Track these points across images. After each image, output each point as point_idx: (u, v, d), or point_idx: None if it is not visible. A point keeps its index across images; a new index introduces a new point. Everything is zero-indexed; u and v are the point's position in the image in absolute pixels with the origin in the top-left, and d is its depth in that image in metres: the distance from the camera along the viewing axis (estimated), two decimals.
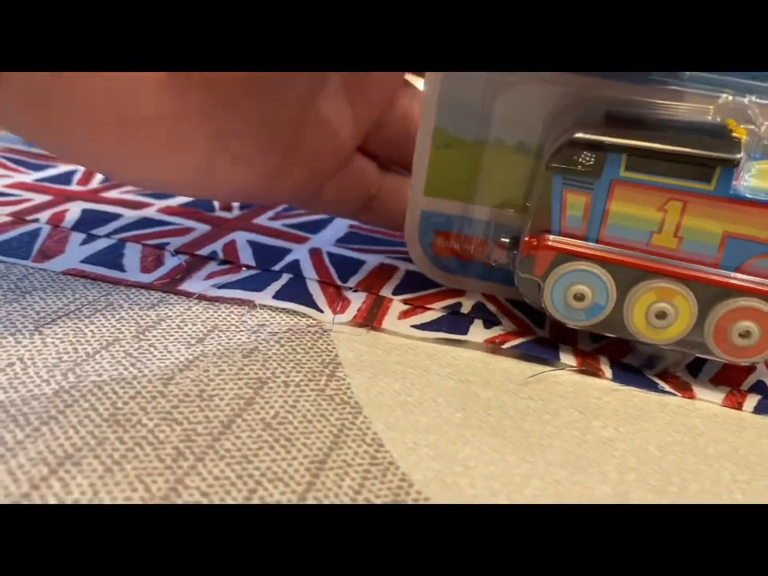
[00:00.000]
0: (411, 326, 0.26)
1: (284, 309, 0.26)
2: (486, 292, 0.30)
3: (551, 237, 0.24)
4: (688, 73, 0.25)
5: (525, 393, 0.23)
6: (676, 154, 0.23)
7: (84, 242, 0.29)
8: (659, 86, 0.25)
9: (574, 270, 0.24)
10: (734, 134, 0.23)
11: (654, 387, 0.25)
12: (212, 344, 0.23)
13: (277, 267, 0.29)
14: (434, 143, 0.28)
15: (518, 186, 0.27)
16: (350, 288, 0.29)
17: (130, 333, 0.23)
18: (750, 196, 0.22)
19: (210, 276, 0.28)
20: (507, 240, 0.26)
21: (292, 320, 0.26)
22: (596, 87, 0.25)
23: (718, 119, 0.24)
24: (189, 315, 0.25)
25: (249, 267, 0.29)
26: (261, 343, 0.24)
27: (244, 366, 0.22)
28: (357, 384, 0.22)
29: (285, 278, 0.29)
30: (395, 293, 0.29)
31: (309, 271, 0.29)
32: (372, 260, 0.32)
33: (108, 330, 0.23)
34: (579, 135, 0.23)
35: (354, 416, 0.20)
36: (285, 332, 0.25)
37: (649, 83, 0.25)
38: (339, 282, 0.29)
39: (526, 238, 0.25)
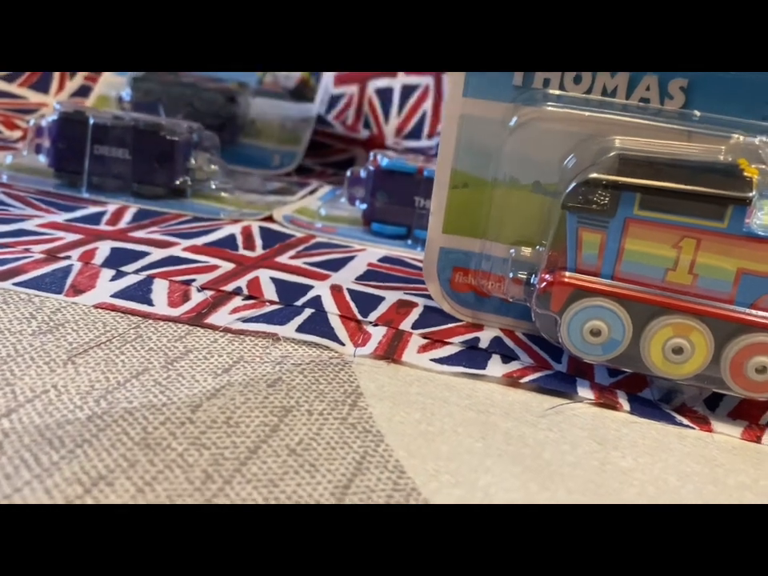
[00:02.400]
0: (431, 360, 0.27)
1: (307, 342, 0.27)
2: (503, 326, 0.30)
3: (567, 273, 0.25)
4: (699, 113, 0.26)
5: (544, 424, 0.24)
6: (689, 193, 0.23)
7: (114, 278, 0.30)
8: (671, 125, 0.26)
9: (590, 305, 0.25)
10: (745, 174, 0.24)
11: (671, 420, 0.25)
12: (238, 374, 0.24)
13: (299, 302, 0.30)
14: (451, 183, 0.29)
15: (535, 224, 0.28)
16: (371, 322, 0.29)
17: (159, 363, 0.24)
18: (762, 233, 0.23)
19: (234, 310, 0.29)
20: (524, 276, 0.27)
21: (314, 352, 0.26)
22: (610, 128, 0.26)
23: (730, 159, 0.25)
24: (215, 347, 0.26)
25: (272, 302, 0.30)
26: (284, 374, 0.24)
27: (269, 395, 0.23)
28: (378, 413, 0.23)
29: (307, 312, 0.29)
30: (414, 327, 0.29)
31: (330, 306, 0.30)
32: (391, 296, 0.32)
33: (138, 360, 0.24)
34: (594, 175, 0.24)
35: (377, 444, 0.21)
36: (308, 363, 0.25)
37: (660, 122, 0.26)
38: (360, 317, 0.30)
39: (543, 275, 0.26)
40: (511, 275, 0.27)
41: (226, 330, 0.27)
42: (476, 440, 0.22)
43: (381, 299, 0.32)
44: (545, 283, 0.25)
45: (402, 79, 0.62)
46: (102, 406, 0.21)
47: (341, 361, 0.26)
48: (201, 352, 0.25)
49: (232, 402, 0.22)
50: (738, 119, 0.25)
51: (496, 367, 0.27)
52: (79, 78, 0.73)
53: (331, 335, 0.28)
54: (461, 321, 0.31)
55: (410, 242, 0.41)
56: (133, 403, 0.21)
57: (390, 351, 0.27)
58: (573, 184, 0.25)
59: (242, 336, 0.27)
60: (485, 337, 0.29)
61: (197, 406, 0.22)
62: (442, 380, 0.26)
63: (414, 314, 0.31)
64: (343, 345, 0.27)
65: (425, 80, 0.62)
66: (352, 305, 0.31)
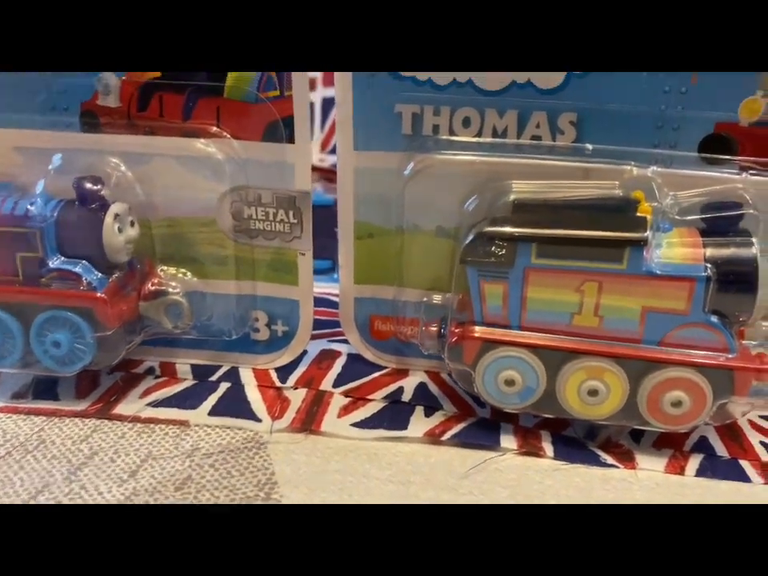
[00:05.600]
0: (351, 425, 0.26)
1: (220, 425, 0.26)
2: (428, 369, 0.30)
3: (476, 327, 0.25)
4: (591, 147, 0.25)
5: (465, 488, 0.23)
6: (584, 239, 0.23)
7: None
8: (565, 162, 0.25)
9: (501, 356, 0.24)
10: (639, 212, 0.23)
11: (596, 461, 0.25)
12: (145, 477, 0.23)
13: (214, 377, 0.29)
14: (356, 235, 0.28)
15: (442, 267, 0.28)
16: (291, 387, 0.28)
17: (62, 474, 0.23)
18: (661, 272, 0.23)
19: (146, 393, 0.28)
20: (435, 328, 0.26)
21: (228, 436, 0.25)
22: (505, 170, 0.26)
23: (623, 194, 0.24)
24: (122, 444, 0.25)
25: (185, 379, 0.29)
26: (194, 470, 0.23)
27: (176, 500, 0.22)
28: (293, 503, 0.22)
29: (222, 387, 0.28)
30: (336, 384, 0.29)
31: (247, 376, 0.29)
32: (314, 348, 0.31)
33: (39, 474, 0.23)
34: (488, 229, 0.23)
35: None
36: (219, 453, 0.24)
37: (554, 159, 0.25)
38: (278, 383, 0.29)
39: (452, 328, 0.25)
40: (423, 328, 0.27)
41: (135, 420, 0.26)
42: None
43: (302, 354, 0.31)
44: (455, 337, 0.25)
45: (321, 92, 0.60)
46: None
47: (255, 443, 0.25)
48: (107, 453, 0.24)
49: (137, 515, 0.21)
50: (630, 149, 0.25)
51: (419, 424, 0.26)
52: None
53: (247, 412, 0.27)
54: (385, 368, 0.30)
55: (336, 275, 0.40)
56: None
57: (309, 420, 0.26)
58: (469, 238, 0.24)
59: (151, 426, 0.26)
60: (408, 385, 0.29)
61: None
62: (363, 449, 0.25)
63: (337, 367, 0.30)
64: (260, 421, 0.26)
65: None
66: (271, 371, 0.30)
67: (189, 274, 0.28)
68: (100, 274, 0.25)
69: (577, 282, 0.23)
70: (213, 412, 0.27)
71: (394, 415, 0.27)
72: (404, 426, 0.26)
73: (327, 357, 0.31)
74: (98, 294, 0.25)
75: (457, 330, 0.25)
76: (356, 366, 0.30)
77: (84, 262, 0.25)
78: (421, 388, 0.29)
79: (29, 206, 0.25)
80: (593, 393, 0.24)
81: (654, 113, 0.25)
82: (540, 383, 0.24)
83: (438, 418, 0.27)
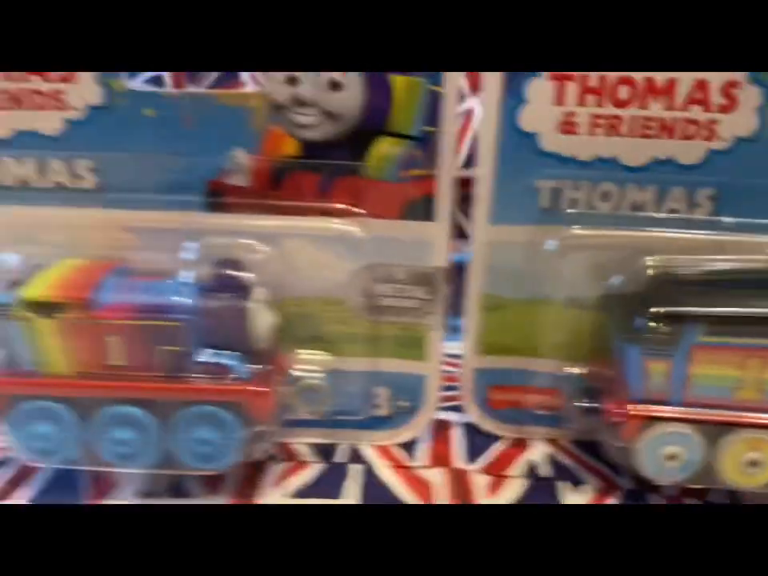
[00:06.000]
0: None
1: None
2: (546, 437, 0.30)
3: (637, 405, 0.24)
4: (730, 220, 0.26)
5: None
6: (753, 317, 0.23)
7: None
8: (701, 234, 0.26)
9: (664, 433, 0.24)
10: None
11: None
12: None
13: (338, 458, 0.28)
14: (483, 306, 0.28)
15: (573, 338, 0.28)
16: (423, 466, 0.28)
17: None
18: None
19: (278, 481, 0.27)
20: (584, 405, 0.26)
21: None
22: (641, 245, 0.26)
23: None
24: None
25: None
26: None
27: None
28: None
29: (353, 470, 0.27)
30: (469, 461, 0.28)
31: (371, 456, 0.28)
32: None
33: None
34: (656, 309, 0.23)
35: None
36: None
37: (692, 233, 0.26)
38: (407, 462, 0.28)
39: (611, 406, 0.25)
40: (568, 402, 0.26)
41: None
42: None
43: None
44: (615, 415, 0.25)
45: None
46: None
47: None
48: None
49: None
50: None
51: (572, 499, 0.26)
52: None
53: (391, 497, 0.26)
54: (501, 437, 0.30)
55: None
56: None
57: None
58: (631, 316, 0.24)
59: None
60: (538, 458, 0.28)
61: None
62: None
63: (458, 440, 0.30)
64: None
65: None
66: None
67: (320, 355, 0.27)
68: (247, 365, 0.24)
69: (741, 357, 0.24)
70: (365, 500, 0.26)
71: (540, 491, 0.27)
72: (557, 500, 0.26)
73: (442, 428, 0.30)
74: (253, 387, 0.24)
75: (617, 408, 0.25)
76: (475, 438, 0.30)
77: (229, 352, 0.24)
78: (552, 461, 0.28)
79: (168, 296, 0.24)
80: (753, 464, 0.24)
81: None
82: (701, 456, 0.25)
83: (587, 492, 0.27)
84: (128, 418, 0.24)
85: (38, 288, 0.23)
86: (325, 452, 0.28)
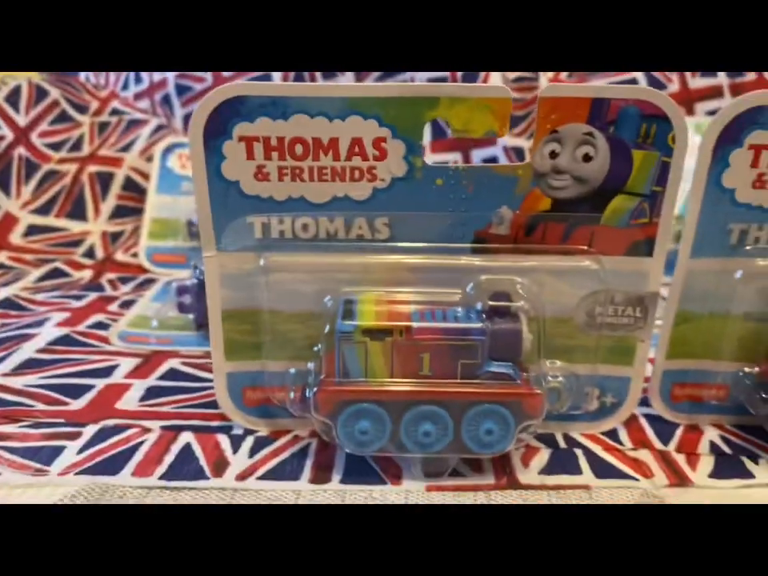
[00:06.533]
0: (708, 476, 0.33)
1: (614, 486, 0.32)
2: (713, 423, 0.37)
3: None
4: None
5: None
6: None
7: None
8: None
9: None
10: None
11: None
12: None
13: (562, 444, 0.35)
14: (675, 321, 0.35)
15: (749, 344, 0.35)
16: (631, 448, 0.35)
17: None
18: None
19: (526, 461, 0.34)
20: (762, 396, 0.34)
21: (628, 494, 0.32)
22: None
23: None
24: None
25: None
26: None
27: None
28: None
29: (577, 453, 0.35)
30: (664, 444, 0.36)
31: (586, 441, 0.36)
32: None
33: None
34: None
35: None
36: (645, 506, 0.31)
37: None
38: (618, 446, 0.35)
39: None
40: (760, 395, 0.34)
41: (543, 488, 0.32)
42: None
43: None
44: None
45: None
46: None
47: (656, 498, 0.32)
48: None
49: None
50: None
51: (758, 472, 0.34)
52: (112, 198, 0.73)
53: (619, 473, 0.33)
54: (679, 425, 0.37)
55: None
56: None
57: (680, 476, 0.33)
58: None
59: (563, 491, 0.32)
60: (713, 438, 0.36)
61: None
62: (737, 496, 0.32)
63: (647, 427, 0.37)
64: (637, 480, 0.33)
65: None
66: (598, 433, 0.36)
67: (557, 362, 0.35)
68: (522, 373, 0.32)
69: None
70: (599, 475, 0.33)
71: (732, 466, 0.34)
72: (751, 475, 0.33)
73: (632, 419, 0.38)
74: (532, 389, 0.31)
75: None
76: (659, 425, 0.37)
77: (507, 363, 0.31)
78: (726, 441, 0.36)
79: (465, 322, 0.31)
80: None
81: None
82: None
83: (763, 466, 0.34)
84: (431, 415, 0.31)
85: (370, 319, 0.31)
86: (547, 440, 0.36)
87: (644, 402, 0.38)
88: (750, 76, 0.68)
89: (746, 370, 0.35)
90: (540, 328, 0.34)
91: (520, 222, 0.33)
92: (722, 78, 0.68)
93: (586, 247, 0.33)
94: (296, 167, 0.31)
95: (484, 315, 0.32)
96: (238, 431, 0.36)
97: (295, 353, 0.34)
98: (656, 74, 0.68)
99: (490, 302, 0.32)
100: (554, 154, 0.31)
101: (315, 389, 0.31)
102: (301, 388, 0.33)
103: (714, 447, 0.35)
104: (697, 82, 0.68)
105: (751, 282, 0.34)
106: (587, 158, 0.31)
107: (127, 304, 0.56)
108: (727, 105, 0.31)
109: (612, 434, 0.37)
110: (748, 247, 0.34)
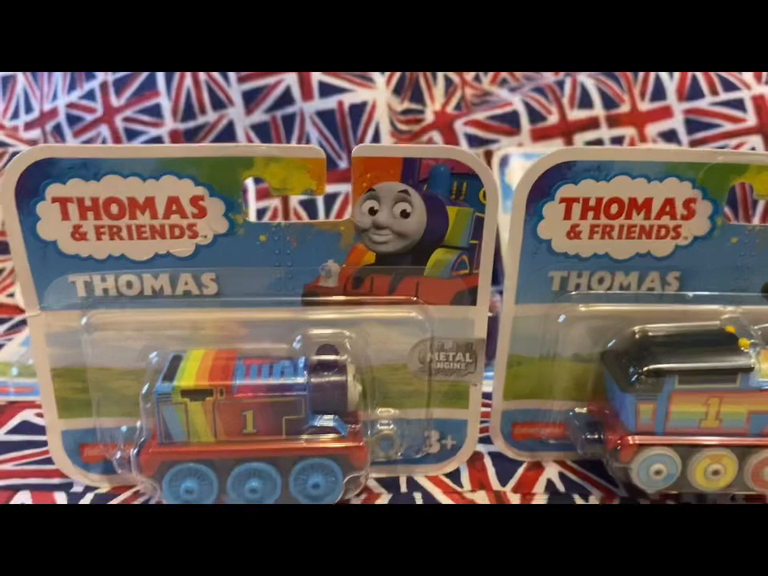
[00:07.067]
0: None
1: None
2: (555, 459, 0.38)
3: (633, 435, 0.33)
4: (691, 294, 0.35)
5: None
6: (713, 369, 0.32)
7: None
8: (676, 306, 0.35)
9: (652, 455, 0.33)
10: (741, 347, 0.33)
11: None
12: None
13: (404, 489, 0.36)
14: (508, 364, 0.37)
15: (577, 385, 0.36)
16: (469, 490, 0.36)
17: None
18: (765, 386, 0.33)
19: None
20: (594, 437, 0.35)
21: None
22: (627, 316, 0.35)
23: (720, 326, 0.34)
24: None
25: None
26: None
27: None
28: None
29: (418, 498, 0.35)
30: (502, 484, 0.37)
31: (429, 485, 0.36)
32: None
33: None
34: (650, 367, 0.32)
35: None
36: None
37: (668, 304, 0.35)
38: (458, 488, 0.36)
39: (612, 437, 0.34)
40: (584, 436, 0.35)
41: None
42: None
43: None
44: (616, 444, 0.34)
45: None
46: None
47: None
48: None
49: None
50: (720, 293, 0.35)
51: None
52: None
53: None
54: (523, 462, 0.38)
55: None
56: None
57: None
58: (631, 372, 0.33)
59: None
60: (552, 477, 0.37)
61: None
62: None
63: (490, 467, 0.38)
64: None
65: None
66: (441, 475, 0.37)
67: (390, 410, 0.35)
68: (347, 425, 0.32)
69: (705, 398, 0.33)
70: None
71: (562, 504, 0.35)
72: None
73: (477, 458, 0.39)
74: (353, 443, 0.31)
75: (617, 439, 0.34)
76: (503, 464, 0.38)
77: (333, 416, 0.32)
78: (563, 478, 0.37)
79: (288, 377, 0.31)
80: (715, 473, 0.34)
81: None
82: (678, 470, 0.34)
83: (595, 500, 0.35)
84: (259, 471, 0.31)
85: (189, 379, 0.31)
86: (390, 485, 0.36)
87: (491, 441, 0.39)
88: (624, 108, 0.70)
89: (576, 410, 0.37)
90: (370, 377, 0.34)
91: (347, 274, 0.33)
92: (598, 110, 0.70)
93: (414, 298, 0.34)
94: (113, 226, 0.31)
95: (309, 369, 0.32)
96: (78, 488, 0.36)
97: (130, 409, 0.34)
98: (534, 106, 0.70)
99: (315, 356, 0.32)
100: (373, 211, 0.32)
101: (137, 450, 0.31)
102: (131, 445, 0.33)
103: (549, 486, 0.37)
104: (575, 113, 0.70)
105: (574, 326, 0.35)
106: (405, 213, 0.32)
107: None
108: (535, 161, 0.32)
109: (455, 474, 0.37)
110: (573, 293, 0.35)
